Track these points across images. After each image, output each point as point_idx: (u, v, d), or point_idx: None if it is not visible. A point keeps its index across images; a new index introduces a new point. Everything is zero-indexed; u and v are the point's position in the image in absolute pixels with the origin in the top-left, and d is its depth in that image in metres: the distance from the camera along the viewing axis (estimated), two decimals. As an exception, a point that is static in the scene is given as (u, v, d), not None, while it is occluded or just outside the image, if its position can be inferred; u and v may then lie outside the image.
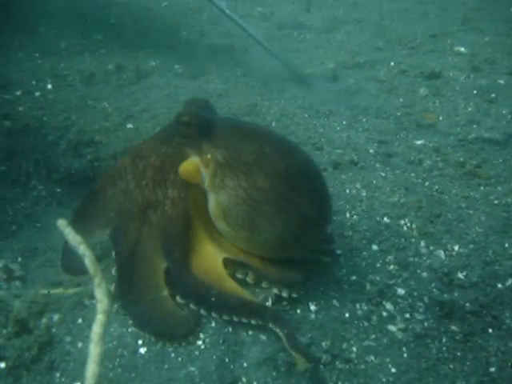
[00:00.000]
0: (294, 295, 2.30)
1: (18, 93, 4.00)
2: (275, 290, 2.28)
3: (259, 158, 2.18)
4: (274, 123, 3.82)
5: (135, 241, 2.25)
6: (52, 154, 3.55)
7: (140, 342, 2.11)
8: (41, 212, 3.42)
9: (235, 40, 6.06)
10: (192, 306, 2.15)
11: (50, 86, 4.13)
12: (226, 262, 2.30)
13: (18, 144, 3.62)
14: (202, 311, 2.15)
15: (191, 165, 2.27)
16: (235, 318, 2.14)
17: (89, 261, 1.57)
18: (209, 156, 2.24)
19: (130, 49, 5.28)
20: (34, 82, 4.16)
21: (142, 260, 2.21)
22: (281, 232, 2.20)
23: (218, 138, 2.26)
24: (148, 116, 3.76)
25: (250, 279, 2.30)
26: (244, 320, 2.14)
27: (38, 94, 4.00)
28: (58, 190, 3.53)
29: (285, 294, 2.28)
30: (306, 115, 4.02)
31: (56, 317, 2.23)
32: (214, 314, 2.15)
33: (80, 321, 2.21)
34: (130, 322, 2.16)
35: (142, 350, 2.08)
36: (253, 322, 2.13)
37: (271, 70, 5.17)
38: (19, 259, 2.88)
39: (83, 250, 1.57)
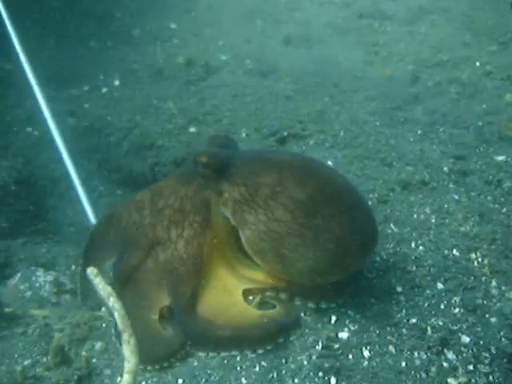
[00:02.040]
0: (323, 306, 2.30)
1: (86, 88, 3.99)
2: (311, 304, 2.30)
3: (276, 190, 2.17)
4: (342, 132, 3.62)
5: (134, 269, 2.31)
6: (114, 155, 3.52)
7: (180, 381, 2.03)
8: (101, 213, 3.39)
9: (312, 30, 5.85)
10: (198, 350, 2.14)
11: (117, 82, 4.11)
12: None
13: (82, 143, 3.60)
14: (210, 352, 2.13)
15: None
16: (248, 351, 2.12)
17: (118, 314, 1.48)
18: (226, 195, 2.26)
19: (202, 39, 5.20)
20: (102, 77, 4.15)
21: (138, 287, 2.27)
22: (313, 261, 2.14)
23: (235, 175, 2.27)
24: (212, 120, 3.66)
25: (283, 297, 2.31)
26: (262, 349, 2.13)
27: (104, 90, 3.98)
28: (119, 191, 3.50)
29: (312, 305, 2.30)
30: (378, 123, 3.79)
31: (98, 345, 2.19)
32: (222, 353, 2.12)
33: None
34: None
35: (182, 391, 2.00)
36: (269, 347, 2.13)
37: (346, 66, 4.93)
38: (73, 267, 2.86)
39: (113, 302, 1.48)
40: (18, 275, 2.68)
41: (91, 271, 1.55)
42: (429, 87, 4.52)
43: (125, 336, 1.51)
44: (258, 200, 2.18)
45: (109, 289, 1.53)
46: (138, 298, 2.24)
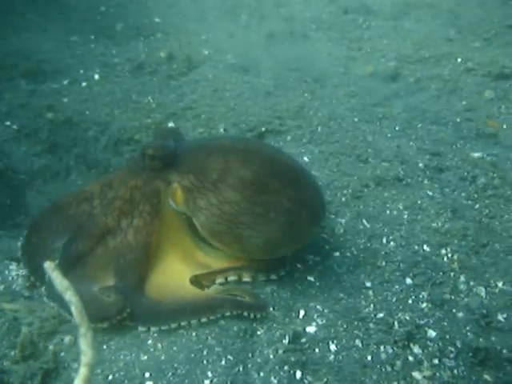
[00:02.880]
0: (283, 273, 2.46)
1: (65, 82, 4.00)
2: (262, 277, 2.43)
3: (224, 173, 2.28)
4: (319, 128, 3.64)
5: (83, 253, 2.39)
6: (92, 149, 3.53)
7: (147, 374, 2.05)
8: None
9: (296, 25, 5.85)
10: (149, 325, 2.22)
11: (97, 77, 4.10)
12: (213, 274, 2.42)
13: (60, 137, 3.61)
14: (161, 325, 2.21)
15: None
16: (193, 320, 2.21)
17: (75, 308, 1.50)
18: (175, 185, 2.36)
19: (185, 34, 5.19)
20: (82, 71, 4.15)
21: (83, 269, 2.36)
22: (268, 235, 2.29)
23: (183, 165, 2.37)
24: (191, 114, 3.67)
25: (247, 278, 2.42)
26: (206, 317, 2.22)
27: (84, 84, 3.98)
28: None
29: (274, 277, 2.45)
30: (356, 119, 3.80)
31: (67, 339, 2.20)
32: (172, 325, 2.21)
33: (91, 343, 2.17)
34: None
35: (148, 384, 2.01)
36: (212, 316, 2.22)
37: (328, 62, 4.94)
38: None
39: (70, 296, 1.50)
40: (-9, 269, 2.68)
41: (48, 265, 1.56)
42: (409, 83, 4.54)
43: (82, 330, 1.52)
44: (207, 185, 2.29)
45: (66, 283, 1.54)
46: (82, 277, 2.33)
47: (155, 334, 2.21)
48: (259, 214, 2.25)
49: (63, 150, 3.59)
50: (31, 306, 2.39)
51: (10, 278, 2.60)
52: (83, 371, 1.48)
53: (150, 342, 2.19)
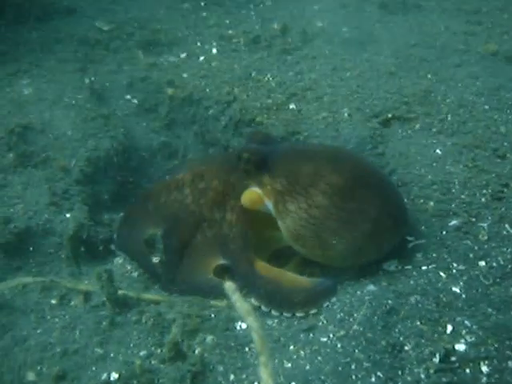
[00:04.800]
0: None
1: (183, 55, 3.94)
2: None
3: (315, 178, 2.35)
4: (449, 116, 3.42)
5: (186, 241, 2.55)
6: (212, 128, 3.48)
7: (293, 384, 2.00)
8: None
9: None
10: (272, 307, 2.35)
11: (214, 51, 4.02)
12: None
13: (179, 114, 3.58)
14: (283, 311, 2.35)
15: (252, 194, 2.48)
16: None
17: (256, 335, 1.44)
18: (268, 187, 2.44)
19: (295, 2, 5.00)
20: (199, 44, 4.07)
21: (192, 255, 2.52)
22: (351, 242, 2.34)
23: (275, 168, 2.45)
24: (312, 96, 3.54)
25: None
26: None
27: (202, 58, 3.91)
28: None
29: None
30: (487, 106, 3.56)
31: (209, 338, 2.17)
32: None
33: (232, 344, 2.15)
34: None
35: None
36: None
37: (446, 37, 4.67)
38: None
39: (251, 321, 1.44)
40: (124, 253, 2.69)
41: (229, 287, 1.51)
42: (539, 64, 4.23)
43: (262, 358, 1.47)
44: (298, 189, 2.36)
45: (247, 306, 1.49)
46: (193, 266, 2.50)
47: (296, 342, 2.16)
48: (346, 220, 2.32)
49: (182, 127, 3.56)
50: (170, 298, 2.40)
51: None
52: (266, 404, 1.43)
53: (291, 347, 2.14)
